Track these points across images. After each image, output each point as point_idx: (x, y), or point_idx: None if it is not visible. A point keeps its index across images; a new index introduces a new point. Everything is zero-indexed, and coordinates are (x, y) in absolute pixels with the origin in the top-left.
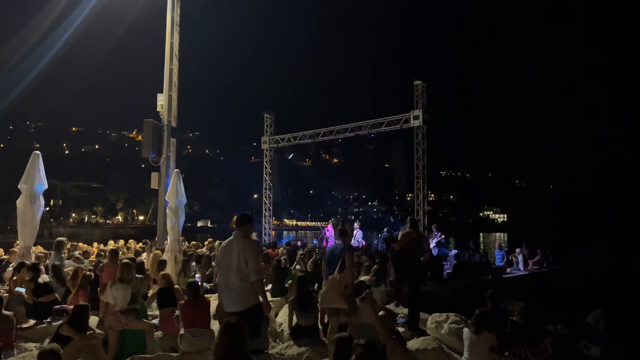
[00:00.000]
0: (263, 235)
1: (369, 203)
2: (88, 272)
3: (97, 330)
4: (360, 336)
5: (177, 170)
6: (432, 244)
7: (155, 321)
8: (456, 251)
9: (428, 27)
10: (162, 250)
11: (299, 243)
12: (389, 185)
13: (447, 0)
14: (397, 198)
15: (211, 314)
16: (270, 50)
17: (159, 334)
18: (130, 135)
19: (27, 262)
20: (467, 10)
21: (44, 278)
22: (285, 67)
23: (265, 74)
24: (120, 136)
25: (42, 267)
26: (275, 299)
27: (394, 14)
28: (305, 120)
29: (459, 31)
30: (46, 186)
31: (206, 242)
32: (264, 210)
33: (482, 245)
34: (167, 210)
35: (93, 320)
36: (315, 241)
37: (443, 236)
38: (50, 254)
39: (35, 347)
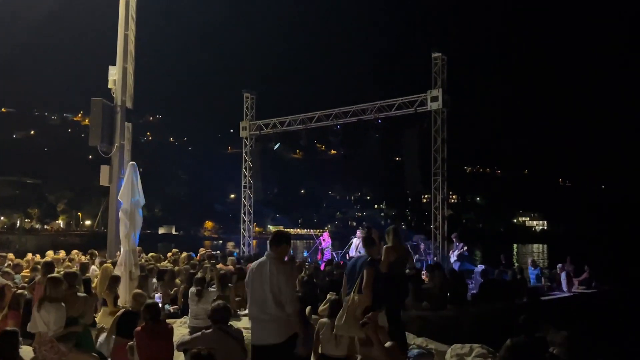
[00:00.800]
0: (242, 246)
1: (375, 206)
2: (20, 290)
3: None
4: None
5: (134, 162)
6: (453, 258)
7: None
8: (483, 267)
9: None
10: (114, 264)
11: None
12: (400, 184)
13: None
14: (410, 200)
15: (174, 344)
16: (252, 13)
17: None
18: (75, 119)
19: None
20: None
21: None
22: (271, 34)
23: (246, 42)
24: (61, 119)
25: None
26: None
27: None
28: (296, 102)
29: None
30: None
31: (169, 254)
32: (242, 215)
33: (515, 259)
34: (120, 213)
35: (27, 352)
36: (306, 253)
37: (466, 248)
38: None
39: None
